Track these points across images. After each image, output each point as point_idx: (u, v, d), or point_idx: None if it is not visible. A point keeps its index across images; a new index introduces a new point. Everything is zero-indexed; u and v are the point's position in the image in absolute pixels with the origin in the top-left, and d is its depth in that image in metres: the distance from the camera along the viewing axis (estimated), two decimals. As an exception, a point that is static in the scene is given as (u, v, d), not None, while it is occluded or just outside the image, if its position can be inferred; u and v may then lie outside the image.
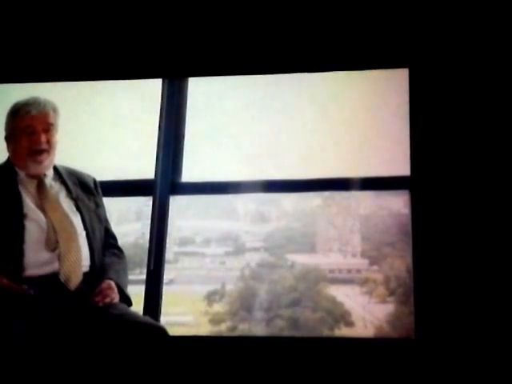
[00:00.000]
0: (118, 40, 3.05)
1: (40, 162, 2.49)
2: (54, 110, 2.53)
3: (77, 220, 2.48)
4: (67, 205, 2.49)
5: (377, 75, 2.97)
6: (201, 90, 3.05)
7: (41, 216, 2.43)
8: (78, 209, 2.50)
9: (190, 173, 3.01)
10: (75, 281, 2.42)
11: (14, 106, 2.52)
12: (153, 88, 3.05)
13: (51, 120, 2.51)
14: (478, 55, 2.86)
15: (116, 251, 2.59)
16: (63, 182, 2.55)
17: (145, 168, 2.98)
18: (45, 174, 2.51)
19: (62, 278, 2.41)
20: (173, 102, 3.05)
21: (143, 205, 2.97)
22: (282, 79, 2.99)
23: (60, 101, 2.70)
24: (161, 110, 3.04)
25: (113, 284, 2.46)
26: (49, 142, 2.50)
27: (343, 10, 2.98)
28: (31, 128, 2.49)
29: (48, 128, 2.50)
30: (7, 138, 2.53)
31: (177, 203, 3.01)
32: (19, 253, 2.39)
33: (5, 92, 2.96)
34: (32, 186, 2.49)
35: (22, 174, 2.51)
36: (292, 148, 3.01)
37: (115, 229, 2.74)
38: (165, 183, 2.99)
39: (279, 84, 3.00)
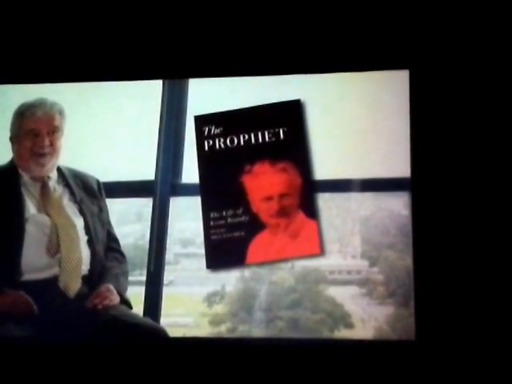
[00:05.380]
0: (117, 41, 3.04)
1: (42, 165, 2.49)
2: (61, 112, 2.53)
3: (80, 224, 2.48)
4: (71, 208, 2.49)
5: (377, 76, 2.96)
6: (201, 91, 3.04)
7: (44, 220, 2.43)
8: (82, 213, 2.51)
9: (189, 174, 3.01)
10: (74, 288, 2.44)
11: (21, 106, 2.53)
12: (153, 89, 3.04)
13: (56, 123, 2.51)
14: (479, 57, 2.86)
15: (117, 255, 2.60)
16: (67, 185, 2.55)
17: (145, 169, 2.98)
18: (48, 177, 2.51)
19: (61, 285, 2.41)
20: (173, 103, 3.05)
21: (143, 206, 2.96)
22: (282, 80, 2.99)
23: (59, 102, 2.70)
24: (161, 111, 3.04)
25: (111, 287, 2.46)
26: (52, 144, 2.51)
27: (343, 11, 2.98)
28: (36, 130, 2.48)
29: (53, 130, 2.50)
30: (12, 139, 2.52)
31: (177, 204, 3.00)
32: (17, 257, 2.38)
33: (4, 93, 2.94)
34: (35, 189, 2.49)
35: (25, 177, 2.50)
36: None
37: (115, 230, 2.74)
38: (165, 184, 3.00)
39: (280, 85, 2.99)
